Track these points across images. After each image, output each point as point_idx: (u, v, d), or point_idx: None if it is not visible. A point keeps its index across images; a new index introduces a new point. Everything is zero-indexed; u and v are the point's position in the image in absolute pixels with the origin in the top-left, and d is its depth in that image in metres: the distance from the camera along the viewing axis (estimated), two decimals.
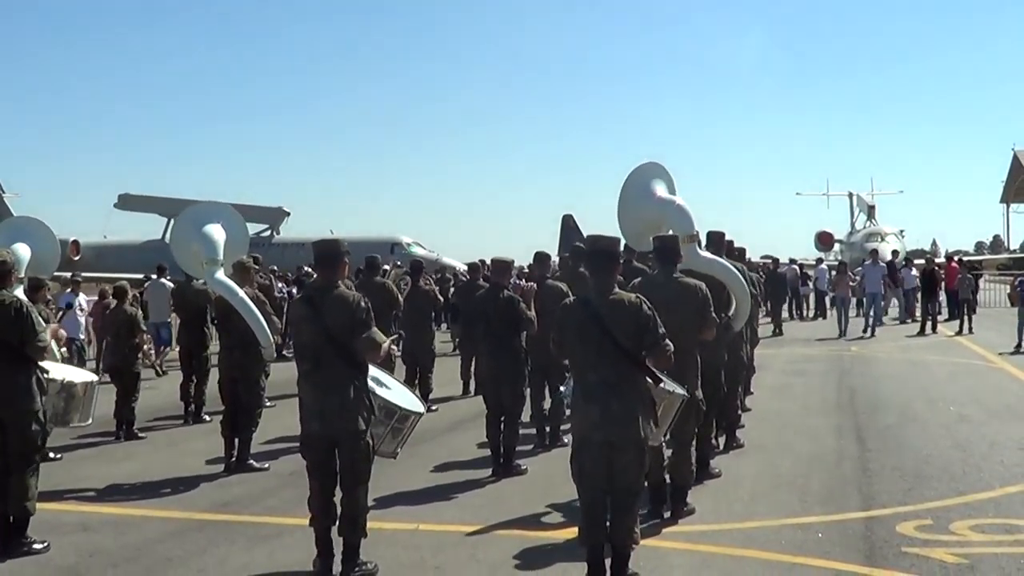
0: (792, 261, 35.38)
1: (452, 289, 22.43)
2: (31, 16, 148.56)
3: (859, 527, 7.46)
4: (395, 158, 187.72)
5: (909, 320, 28.77)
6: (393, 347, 8.95)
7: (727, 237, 10.67)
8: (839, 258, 54.50)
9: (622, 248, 7.60)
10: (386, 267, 14.88)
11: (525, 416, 10.19)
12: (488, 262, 14.29)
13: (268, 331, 10.09)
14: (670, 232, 8.66)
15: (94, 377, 9.55)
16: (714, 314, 7.74)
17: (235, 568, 6.82)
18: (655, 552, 6.73)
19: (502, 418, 9.67)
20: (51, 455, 9.94)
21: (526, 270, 12.65)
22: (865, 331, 25.14)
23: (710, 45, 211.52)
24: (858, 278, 27.82)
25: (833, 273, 34.54)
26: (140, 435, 12.10)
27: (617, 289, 6.29)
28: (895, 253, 29.35)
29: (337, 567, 6.46)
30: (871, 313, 25.79)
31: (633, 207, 9.43)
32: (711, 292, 7.82)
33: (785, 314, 32.06)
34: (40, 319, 7.41)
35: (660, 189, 9.37)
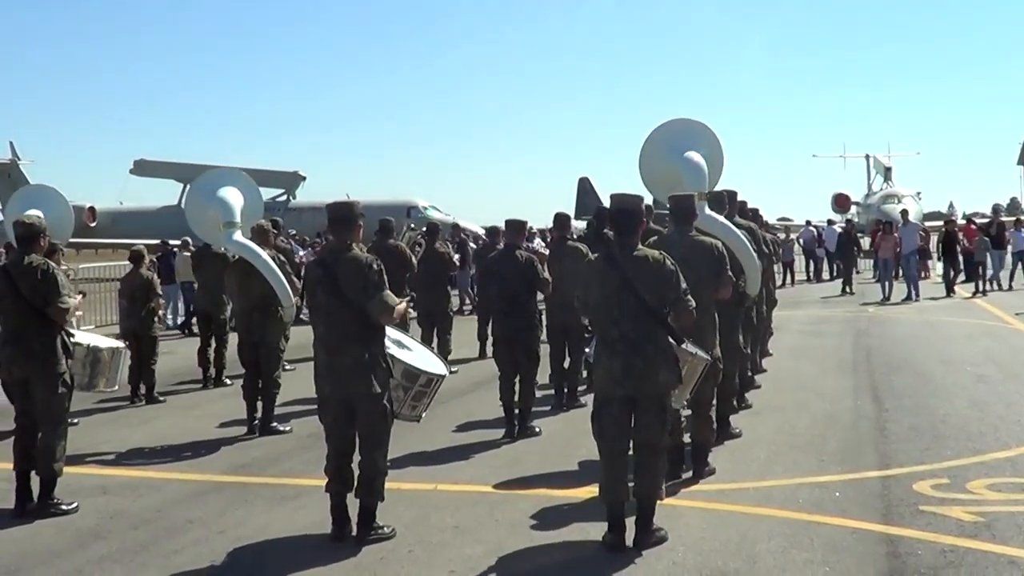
0: (808, 223, 35.28)
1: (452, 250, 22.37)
2: None
3: (876, 486, 7.46)
4: (412, 122, 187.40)
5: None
6: (409, 309, 8.92)
7: (739, 197, 10.50)
8: (856, 220, 54.18)
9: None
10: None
11: (543, 377, 10.17)
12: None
13: (290, 291, 10.04)
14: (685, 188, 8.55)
15: (121, 344, 9.61)
16: (731, 274, 7.64)
17: (254, 529, 6.86)
18: (673, 511, 6.73)
19: (515, 379, 9.67)
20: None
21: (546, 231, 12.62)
22: (909, 295, 23.92)
23: (729, 8, 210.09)
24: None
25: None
26: (160, 399, 12.18)
27: (641, 246, 6.27)
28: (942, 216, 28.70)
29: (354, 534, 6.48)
30: (909, 275, 24.56)
31: (655, 156, 9.33)
32: (729, 253, 7.73)
33: (801, 275, 32.07)
34: (66, 280, 7.46)
35: (688, 149, 9.22)
